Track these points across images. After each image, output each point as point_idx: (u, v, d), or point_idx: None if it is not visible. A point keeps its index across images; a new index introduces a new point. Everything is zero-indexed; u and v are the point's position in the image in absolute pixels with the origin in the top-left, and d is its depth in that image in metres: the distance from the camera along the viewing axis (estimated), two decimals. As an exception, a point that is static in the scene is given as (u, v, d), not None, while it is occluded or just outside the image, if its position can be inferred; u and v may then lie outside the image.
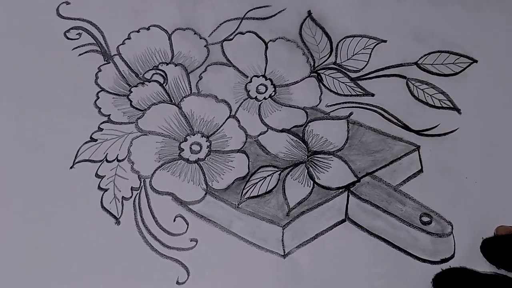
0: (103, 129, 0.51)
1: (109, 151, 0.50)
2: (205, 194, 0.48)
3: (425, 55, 0.56)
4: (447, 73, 0.55)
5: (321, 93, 0.54)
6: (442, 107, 0.53)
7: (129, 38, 0.56)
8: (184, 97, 0.53)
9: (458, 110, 0.53)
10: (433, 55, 0.56)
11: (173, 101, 0.53)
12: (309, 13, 0.58)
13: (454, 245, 0.46)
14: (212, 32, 0.56)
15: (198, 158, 0.50)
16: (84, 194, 0.48)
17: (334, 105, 0.53)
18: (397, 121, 0.52)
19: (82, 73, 0.54)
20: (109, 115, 0.52)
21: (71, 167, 0.49)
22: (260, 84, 0.54)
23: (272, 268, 0.46)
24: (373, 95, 0.54)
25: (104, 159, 0.50)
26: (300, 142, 0.51)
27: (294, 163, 0.50)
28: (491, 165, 0.50)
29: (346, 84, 0.54)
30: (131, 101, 0.53)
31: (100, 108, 0.52)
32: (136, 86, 0.53)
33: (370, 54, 0.56)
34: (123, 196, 0.48)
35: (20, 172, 0.49)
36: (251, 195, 0.48)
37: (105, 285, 0.45)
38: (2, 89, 0.53)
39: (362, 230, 0.48)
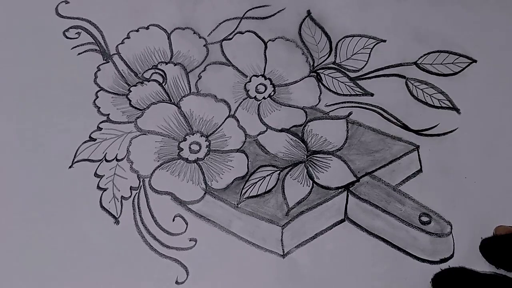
0: (102, 128, 0.51)
1: (108, 150, 0.50)
2: (204, 193, 0.48)
3: (424, 55, 0.56)
4: (446, 73, 0.55)
5: (321, 93, 0.54)
6: (442, 107, 0.53)
7: (128, 37, 0.56)
8: (183, 96, 0.53)
9: (458, 110, 0.53)
10: (432, 55, 0.56)
11: (172, 101, 0.53)
12: (309, 12, 0.58)
13: (453, 245, 0.46)
14: (211, 32, 0.56)
15: (197, 158, 0.50)
16: (83, 194, 0.48)
17: (333, 104, 0.53)
18: (396, 121, 0.52)
19: (81, 72, 0.54)
20: (108, 114, 0.52)
21: (70, 167, 0.49)
22: (260, 84, 0.54)
23: (271, 267, 0.46)
24: (372, 94, 0.54)
25: (103, 159, 0.50)
26: (300, 141, 0.51)
27: (294, 163, 0.50)
28: (490, 165, 0.50)
29: (345, 84, 0.54)
30: (130, 101, 0.53)
31: (99, 108, 0.52)
32: (135, 85, 0.53)
33: (370, 54, 0.56)
34: (122, 196, 0.48)
35: (19, 172, 0.49)
36: (250, 195, 0.48)
37: (104, 284, 0.45)
38: (1, 88, 0.53)
39: (362, 230, 0.48)
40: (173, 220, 0.47)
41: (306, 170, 0.49)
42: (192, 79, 0.54)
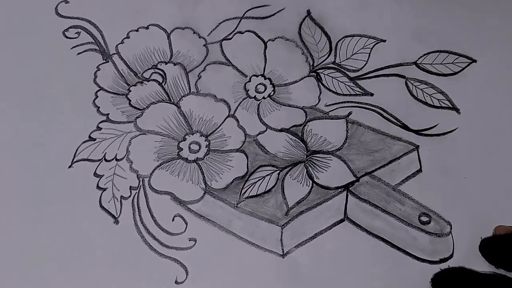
0: (101, 128, 0.51)
1: (107, 150, 0.50)
2: (204, 193, 0.48)
3: (424, 54, 0.56)
4: (446, 73, 0.55)
5: (320, 93, 0.54)
6: (441, 107, 0.53)
7: (128, 37, 0.56)
8: (183, 96, 0.53)
9: (457, 110, 0.53)
10: (432, 54, 0.56)
11: (172, 100, 0.53)
12: (308, 12, 0.58)
13: (453, 245, 0.46)
14: (211, 32, 0.56)
15: (197, 158, 0.50)
16: (83, 194, 0.48)
17: (333, 104, 0.53)
18: (396, 121, 0.52)
19: (81, 72, 0.54)
20: (108, 114, 0.52)
21: (69, 166, 0.49)
22: (259, 84, 0.54)
23: (271, 267, 0.46)
24: (372, 94, 0.54)
25: (103, 158, 0.50)
26: (299, 141, 0.51)
27: (293, 163, 0.50)
28: (490, 165, 0.50)
29: (345, 84, 0.54)
30: (130, 100, 0.53)
31: (98, 107, 0.52)
32: (135, 85, 0.53)
33: (369, 53, 0.56)
34: (121, 196, 0.48)
35: (18, 172, 0.49)
36: (250, 195, 0.48)
37: (104, 284, 0.45)
38: (1, 88, 0.53)
39: (361, 229, 0.48)
40: (173, 220, 0.47)
41: (305, 170, 0.49)
42: (191, 79, 0.54)
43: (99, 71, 0.54)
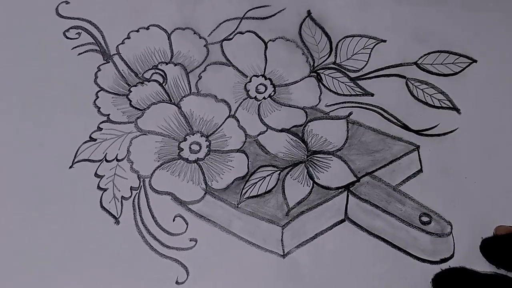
0: (102, 128, 0.51)
1: (108, 150, 0.50)
2: (205, 193, 0.48)
3: (424, 55, 0.56)
4: (446, 73, 0.55)
5: (321, 93, 0.54)
6: (442, 107, 0.53)
7: (128, 37, 0.56)
8: (184, 96, 0.53)
9: (458, 110, 0.53)
10: (432, 55, 0.56)
11: (173, 101, 0.53)
12: (309, 13, 0.58)
13: (454, 245, 0.46)
14: (211, 32, 0.56)
15: (198, 158, 0.50)
16: (84, 194, 0.48)
17: (333, 104, 0.53)
18: (396, 121, 0.52)
19: (82, 72, 0.54)
20: (109, 114, 0.52)
21: (70, 167, 0.49)
22: (260, 84, 0.54)
23: (272, 268, 0.46)
24: (372, 95, 0.54)
25: (104, 159, 0.50)
26: (300, 141, 0.51)
27: (294, 163, 0.50)
28: (490, 165, 0.50)
29: (345, 84, 0.54)
30: (130, 101, 0.53)
31: (99, 108, 0.52)
32: (135, 85, 0.53)
33: (370, 54, 0.56)
34: (122, 196, 0.48)
35: (19, 172, 0.49)
36: (250, 195, 0.48)
37: (104, 284, 0.45)
38: (1, 88, 0.53)
39: (362, 230, 0.48)
40: (173, 220, 0.47)
41: (306, 170, 0.49)
42: (192, 79, 0.54)
43: (99, 71, 0.54)
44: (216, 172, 0.49)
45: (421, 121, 0.52)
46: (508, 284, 0.42)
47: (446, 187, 0.49)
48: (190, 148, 0.50)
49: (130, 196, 0.48)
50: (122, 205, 0.48)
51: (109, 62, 0.54)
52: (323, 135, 0.51)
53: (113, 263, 0.46)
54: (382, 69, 0.55)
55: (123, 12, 0.57)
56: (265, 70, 0.55)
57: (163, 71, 0.54)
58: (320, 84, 0.54)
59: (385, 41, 0.56)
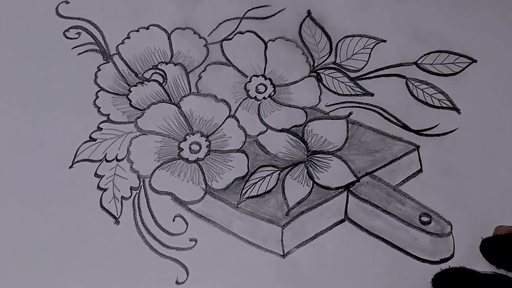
0: (102, 128, 0.51)
1: (108, 150, 0.50)
2: (205, 193, 0.48)
3: (424, 55, 0.56)
4: (446, 73, 0.55)
5: (321, 93, 0.54)
6: (442, 107, 0.53)
7: (128, 37, 0.56)
8: (184, 96, 0.53)
9: (458, 110, 0.53)
10: (432, 55, 0.56)
11: (173, 101, 0.53)
12: (309, 12, 0.58)
13: (454, 245, 0.46)
14: (211, 32, 0.56)
15: (198, 158, 0.50)
16: (83, 194, 0.48)
17: (333, 104, 0.53)
18: (396, 121, 0.52)
19: (82, 72, 0.54)
20: (109, 114, 0.52)
21: (70, 167, 0.49)
22: (260, 84, 0.54)
23: (272, 268, 0.46)
24: (372, 94, 0.54)
25: (103, 159, 0.50)
26: (300, 141, 0.51)
27: (294, 163, 0.50)
28: (490, 165, 0.50)
29: (345, 84, 0.54)
30: (130, 101, 0.53)
31: (99, 108, 0.52)
32: (135, 85, 0.53)
33: (370, 53, 0.56)
34: (122, 196, 0.48)
35: (19, 172, 0.49)
36: (250, 195, 0.48)
37: (104, 284, 0.45)
38: (1, 88, 0.53)
39: (362, 230, 0.48)
40: (173, 220, 0.47)
41: (306, 170, 0.49)
42: (192, 79, 0.54)
43: (99, 71, 0.54)
44: (216, 172, 0.49)
45: (421, 121, 0.52)
46: (508, 284, 0.42)
47: (446, 187, 0.49)
48: (190, 148, 0.50)
49: (130, 196, 0.48)
50: (122, 205, 0.48)
51: (109, 62, 0.54)
52: (323, 135, 0.51)
53: (113, 263, 0.46)
54: (382, 69, 0.55)
55: (123, 12, 0.57)
56: (265, 70, 0.55)
57: (163, 71, 0.54)
58: (320, 84, 0.54)
59: (385, 41, 0.56)
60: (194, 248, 0.46)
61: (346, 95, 0.54)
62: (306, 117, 0.52)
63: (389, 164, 0.50)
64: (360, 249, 0.47)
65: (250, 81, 0.54)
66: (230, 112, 0.52)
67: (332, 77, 0.55)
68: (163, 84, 0.53)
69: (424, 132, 0.52)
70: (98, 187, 0.48)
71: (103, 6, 0.57)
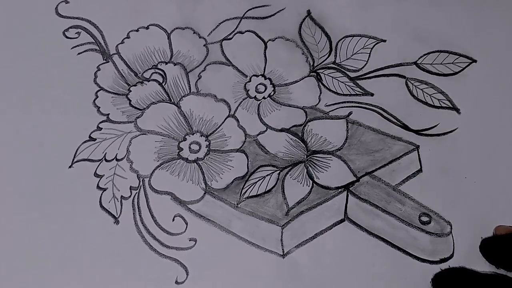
0: (102, 128, 0.51)
1: (108, 150, 0.50)
2: (204, 193, 0.48)
3: (424, 54, 0.56)
4: (446, 73, 0.55)
5: (321, 93, 0.54)
6: (442, 107, 0.53)
7: (128, 37, 0.56)
8: (183, 96, 0.53)
9: (458, 110, 0.53)
10: (432, 54, 0.56)
11: (172, 101, 0.53)
12: (309, 12, 0.58)
13: (453, 245, 0.46)
14: (211, 32, 0.56)
15: (197, 158, 0.50)
16: (83, 194, 0.48)
17: (333, 104, 0.53)
18: (396, 121, 0.52)
19: (81, 72, 0.54)
20: (108, 114, 0.52)
21: (70, 166, 0.49)
22: (260, 84, 0.54)
23: (271, 267, 0.46)
24: (372, 94, 0.54)
25: (103, 159, 0.50)
26: (299, 141, 0.51)
27: (293, 163, 0.50)
28: (490, 165, 0.50)
29: (345, 84, 0.54)
30: (130, 100, 0.53)
31: (99, 107, 0.52)
32: (135, 85, 0.53)
33: (370, 53, 0.56)
34: (122, 196, 0.48)
35: (18, 172, 0.49)
36: (250, 195, 0.48)
37: (104, 284, 0.45)
38: (1, 88, 0.53)
39: (361, 229, 0.48)
40: (173, 220, 0.47)
41: (306, 170, 0.49)
42: (192, 79, 0.54)
43: (99, 71, 0.54)
44: (216, 172, 0.49)
45: (420, 121, 0.52)
46: (508, 284, 0.42)
47: (446, 187, 0.49)
48: (189, 147, 0.50)
49: (130, 196, 0.48)
50: (121, 205, 0.48)
51: (108, 61, 0.54)
52: (322, 134, 0.51)
53: (113, 263, 0.45)
54: (382, 69, 0.55)
55: (123, 11, 0.57)
56: (264, 69, 0.55)
57: (162, 70, 0.54)
58: (320, 83, 0.54)
59: (385, 41, 0.56)
60: (193, 248, 0.46)
61: (346, 95, 0.54)
62: (306, 117, 0.52)
63: (388, 164, 0.50)
64: (360, 249, 0.47)
65: (250, 80, 0.54)
66: (229, 112, 0.52)
67: (332, 77, 0.55)
68: (163, 84, 0.53)
69: (423, 132, 0.52)
70: (98, 187, 0.48)
71: (102, 6, 0.57)
